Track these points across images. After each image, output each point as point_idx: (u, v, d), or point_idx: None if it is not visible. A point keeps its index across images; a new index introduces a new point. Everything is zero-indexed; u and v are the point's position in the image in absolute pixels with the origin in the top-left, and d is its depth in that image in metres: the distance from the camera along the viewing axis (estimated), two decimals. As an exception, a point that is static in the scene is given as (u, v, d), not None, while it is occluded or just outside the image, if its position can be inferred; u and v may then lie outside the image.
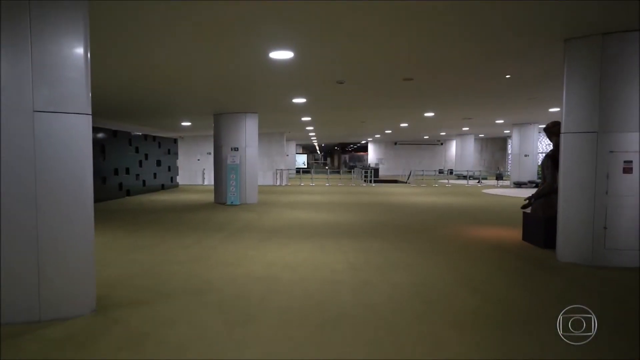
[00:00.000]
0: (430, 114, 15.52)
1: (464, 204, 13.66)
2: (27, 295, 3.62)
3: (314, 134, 27.38)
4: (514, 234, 7.92)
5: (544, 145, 25.59)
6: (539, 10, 4.76)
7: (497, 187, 21.28)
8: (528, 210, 7.60)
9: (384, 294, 4.53)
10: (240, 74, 8.03)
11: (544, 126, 7.89)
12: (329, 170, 32.69)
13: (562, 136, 6.02)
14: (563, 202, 6.00)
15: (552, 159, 7.14)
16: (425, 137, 32.42)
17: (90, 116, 3.84)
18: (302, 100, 11.22)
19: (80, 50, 3.74)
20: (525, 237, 7.46)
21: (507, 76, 8.43)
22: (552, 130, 7.23)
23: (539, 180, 15.42)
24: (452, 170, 30.72)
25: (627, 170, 5.57)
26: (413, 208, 12.45)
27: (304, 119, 16.59)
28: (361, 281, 4.98)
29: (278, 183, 23.28)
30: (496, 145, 35.49)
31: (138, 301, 4.29)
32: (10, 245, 3.55)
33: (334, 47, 6.18)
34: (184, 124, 17.37)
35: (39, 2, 3.53)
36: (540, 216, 7.05)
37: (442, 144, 36.92)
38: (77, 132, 3.76)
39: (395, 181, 26.89)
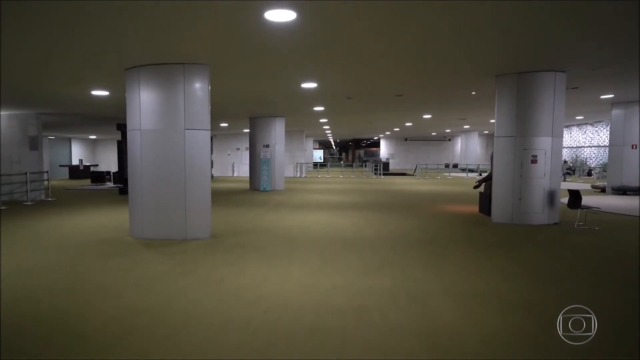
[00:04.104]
0: (428, 116, 18.50)
1: (455, 191, 16.67)
2: (181, 225, 6.92)
3: (329, 131, 30.46)
4: (476, 208, 10.95)
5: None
6: (478, 54, 7.32)
7: (491, 178, 24.04)
8: (482, 190, 10.64)
9: (372, 234, 7.68)
10: (278, 94, 11.23)
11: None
12: (343, 164, 35.75)
13: (495, 139, 9.07)
14: (495, 182, 9.05)
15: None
16: (432, 133, 35.18)
17: (210, 130, 7.07)
18: (321, 108, 14.38)
19: (205, 93, 6.97)
20: (480, 209, 10.51)
21: (473, 93, 11.44)
22: (497, 134, 10.21)
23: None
24: (456, 164, 33.46)
25: (534, 161, 8.60)
26: (411, 194, 15.54)
27: (321, 120, 19.75)
28: (359, 229, 8.15)
29: (298, 175, 26.50)
30: (500, 141, 37.88)
31: (230, 233, 7.55)
32: (175, 200, 6.88)
33: (347, 77, 9.26)
34: (222, 124, 20.70)
35: (188, 66, 6.78)
36: (488, 193, 10.07)
37: (449, 140, 39.61)
38: (203, 140, 7.01)
39: (404, 174, 29.81)
